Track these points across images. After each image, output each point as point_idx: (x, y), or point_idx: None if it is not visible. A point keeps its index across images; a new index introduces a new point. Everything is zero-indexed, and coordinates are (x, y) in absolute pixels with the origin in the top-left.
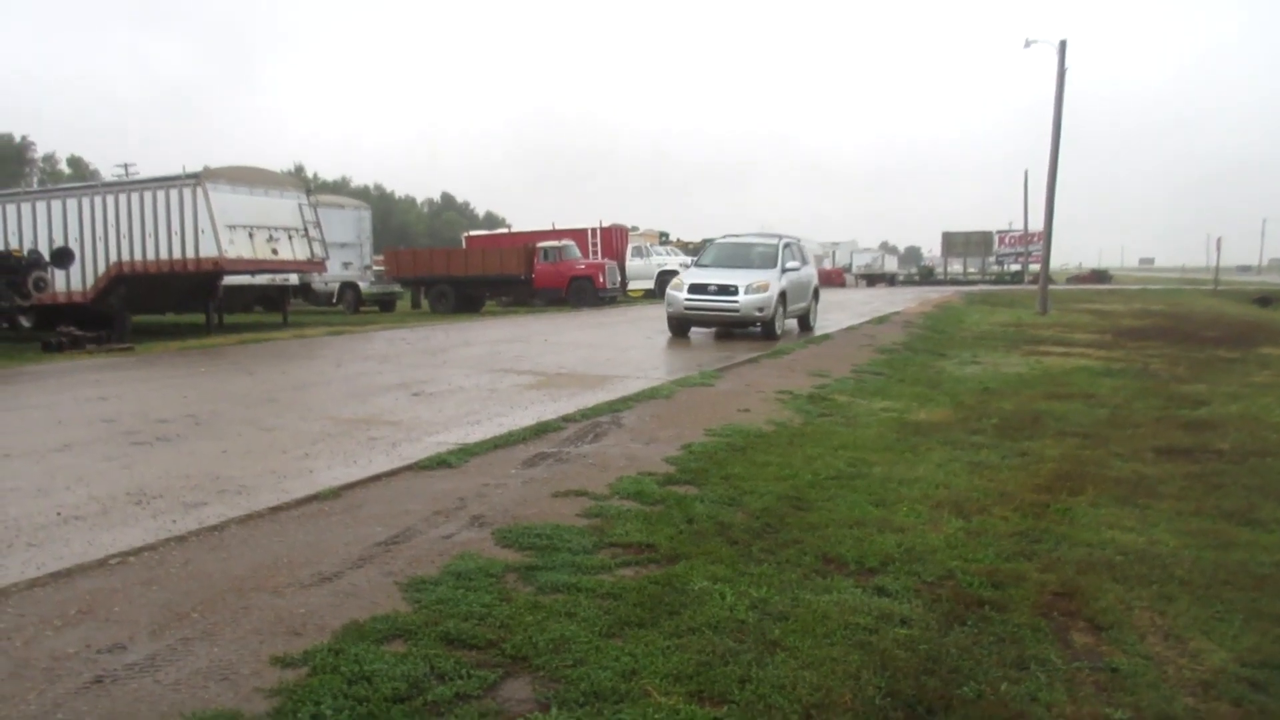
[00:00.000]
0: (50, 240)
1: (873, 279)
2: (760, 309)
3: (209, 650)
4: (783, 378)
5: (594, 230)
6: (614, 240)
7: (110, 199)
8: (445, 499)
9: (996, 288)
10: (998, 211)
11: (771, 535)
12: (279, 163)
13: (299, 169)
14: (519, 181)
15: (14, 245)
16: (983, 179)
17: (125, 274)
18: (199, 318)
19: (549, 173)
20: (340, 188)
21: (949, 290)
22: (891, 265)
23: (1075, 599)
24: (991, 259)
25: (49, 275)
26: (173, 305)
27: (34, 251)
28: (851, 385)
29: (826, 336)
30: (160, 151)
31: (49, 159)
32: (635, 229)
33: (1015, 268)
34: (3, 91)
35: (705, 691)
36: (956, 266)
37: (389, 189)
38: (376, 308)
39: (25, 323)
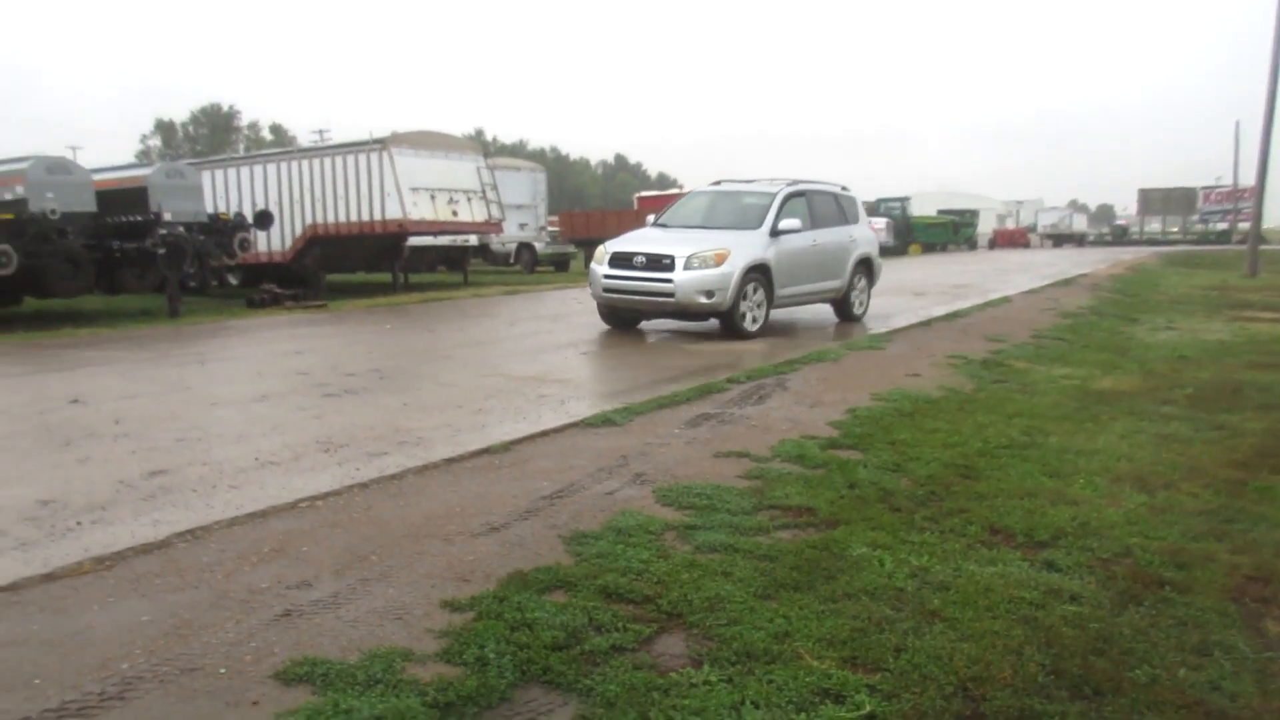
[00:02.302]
0: (253, 203)
1: (1059, 239)
2: (707, 292)
3: (385, 591)
4: (957, 342)
5: None
6: None
7: (305, 164)
8: (609, 456)
9: (1200, 248)
10: (1199, 169)
11: (936, 503)
12: (459, 127)
13: (478, 133)
14: (692, 142)
15: (221, 208)
16: (1183, 133)
17: (319, 235)
18: (386, 277)
19: (721, 132)
20: (517, 151)
21: (1145, 251)
22: (1080, 224)
23: (1271, 584)
24: (1194, 217)
25: (252, 236)
26: (362, 265)
27: (239, 214)
28: (1030, 351)
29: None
30: (350, 117)
31: (253, 126)
32: None
33: (1222, 226)
34: (216, 62)
35: (859, 658)
36: (1155, 226)
37: (564, 151)
38: (551, 268)
39: (233, 280)
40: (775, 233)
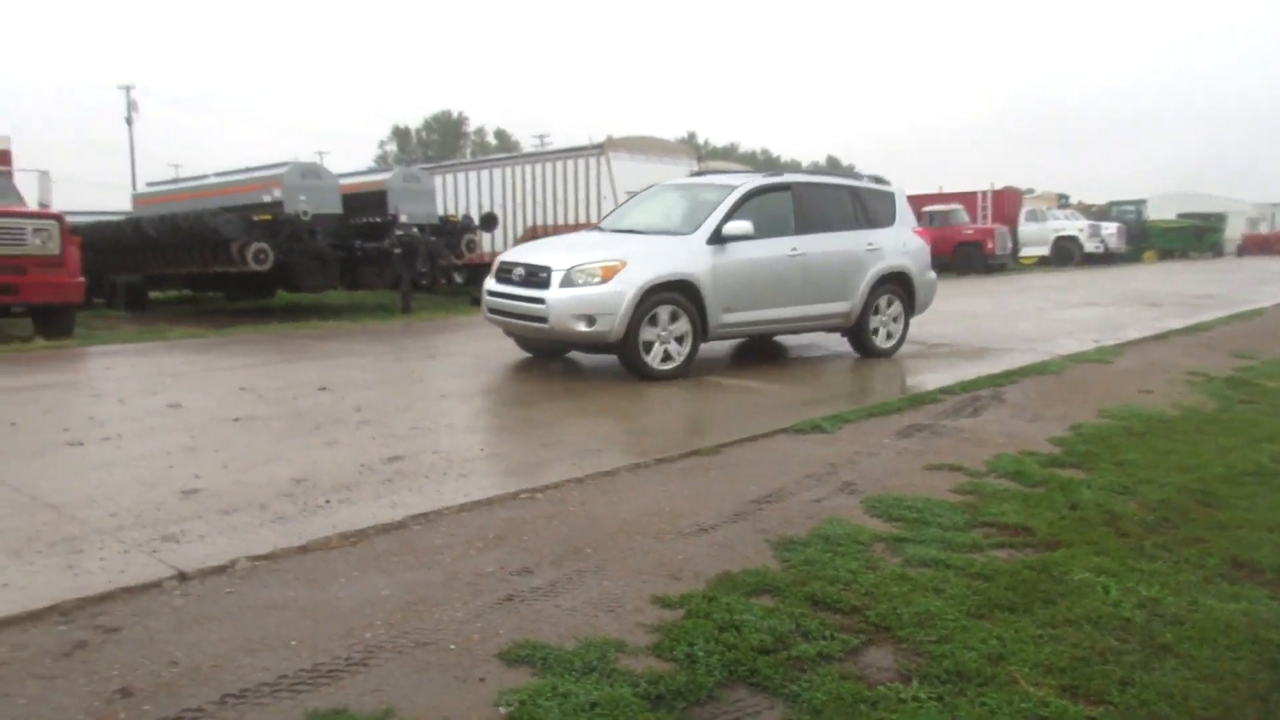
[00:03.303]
0: (479, 206)
1: None
2: (586, 318)
3: (599, 583)
4: (1197, 357)
5: (984, 194)
6: (1006, 204)
7: (528, 168)
8: (817, 463)
9: None
10: None
11: (1169, 531)
12: (672, 130)
13: (690, 136)
14: (907, 144)
15: (450, 211)
16: None
17: (539, 236)
18: None
19: (938, 135)
20: (728, 154)
21: None
22: None
23: None
24: None
25: (478, 238)
26: None
27: (466, 216)
28: None
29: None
30: (569, 122)
31: (479, 132)
32: (1030, 191)
33: None
34: (447, 71)
35: (1079, 688)
36: None
37: (775, 153)
38: None
39: (459, 279)
40: (718, 239)
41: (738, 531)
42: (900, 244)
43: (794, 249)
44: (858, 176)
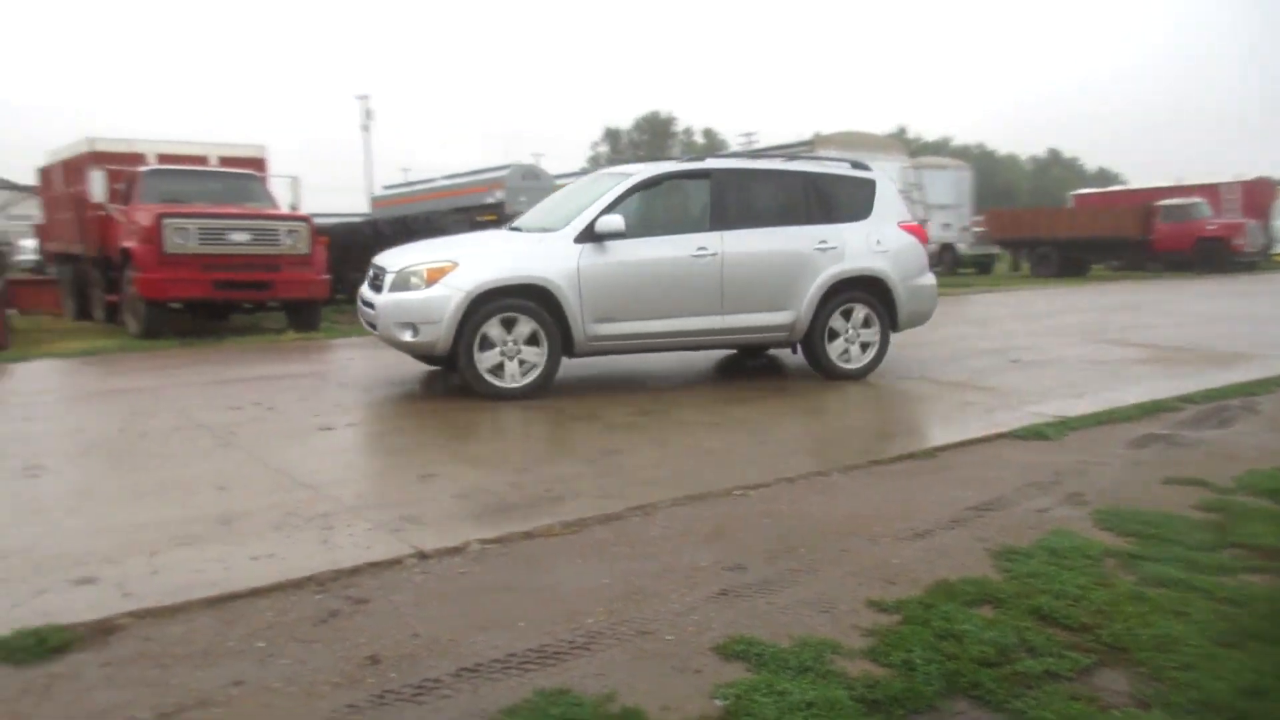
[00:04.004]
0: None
1: None
2: (410, 326)
3: (813, 583)
4: None
5: (1231, 185)
6: (1258, 196)
7: None
8: (1039, 471)
9: None
10: None
11: None
12: (882, 125)
13: (900, 131)
14: (1139, 133)
15: None
16: None
17: None
18: None
19: (1177, 121)
20: (940, 148)
21: None
22: None
23: None
24: None
25: None
26: None
27: None
28: None
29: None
30: (777, 119)
31: (687, 131)
32: None
33: None
34: (656, 72)
35: None
36: None
37: (990, 147)
38: (973, 269)
39: None
40: (591, 237)
41: (955, 538)
42: (871, 242)
43: (702, 248)
44: (837, 163)
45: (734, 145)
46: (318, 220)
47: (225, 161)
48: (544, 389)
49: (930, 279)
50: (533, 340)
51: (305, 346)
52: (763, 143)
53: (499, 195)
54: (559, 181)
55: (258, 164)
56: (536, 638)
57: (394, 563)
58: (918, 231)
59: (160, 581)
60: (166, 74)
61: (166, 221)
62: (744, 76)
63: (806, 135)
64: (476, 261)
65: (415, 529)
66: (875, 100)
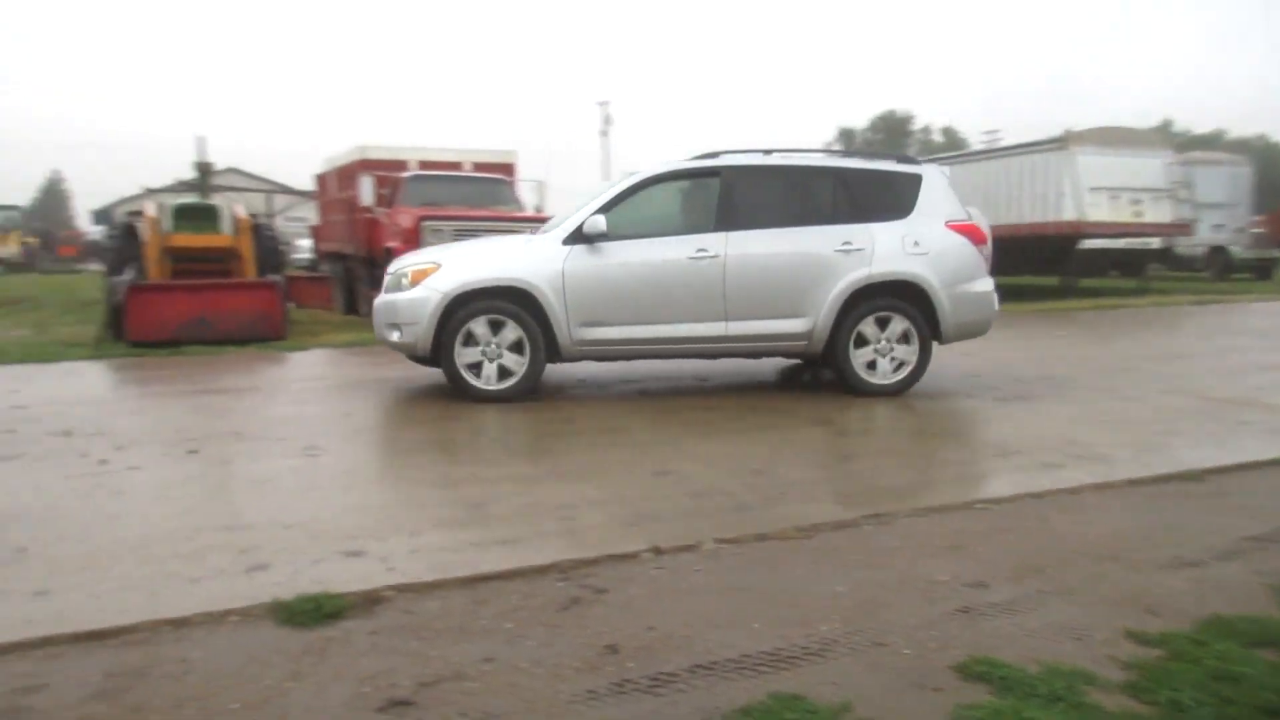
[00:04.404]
0: None
1: None
2: (394, 326)
3: (1063, 607)
4: None
5: None
6: None
7: (981, 166)
8: None
9: None
10: None
11: None
12: (1143, 119)
13: (1165, 124)
14: None
15: None
16: None
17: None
18: (1053, 281)
19: None
20: (1211, 141)
21: None
22: None
23: None
24: None
25: None
26: (1030, 268)
27: None
28: None
29: None
30: (1017, 115)
31: (925, 130)
32: None
33: None
34: (892, 70)
35: None
36: None
37: (1275, 139)
38: (1249, 275)
39: None
40: (581, 238)
41: (1229, 570)
42: (908, 243)
43: (702, 249)
44: (880, 159)
45: (975, 144)
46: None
47: (478, 167)
48: (527, 393)
49: (984, 284)
50: (517, 345)
51: None
52: (1007, 140)
53: None
54: None
55: (507, 169)
56: (770, 641)
57: (631, 556)
58: (971, 231)
59: (419, 560)
60: (430, 85)
61: (425, 223)
62: (987, 72)
63: (1056, 131)
64: (458, 263)
65: (651, 524)
66: (1136, 92)
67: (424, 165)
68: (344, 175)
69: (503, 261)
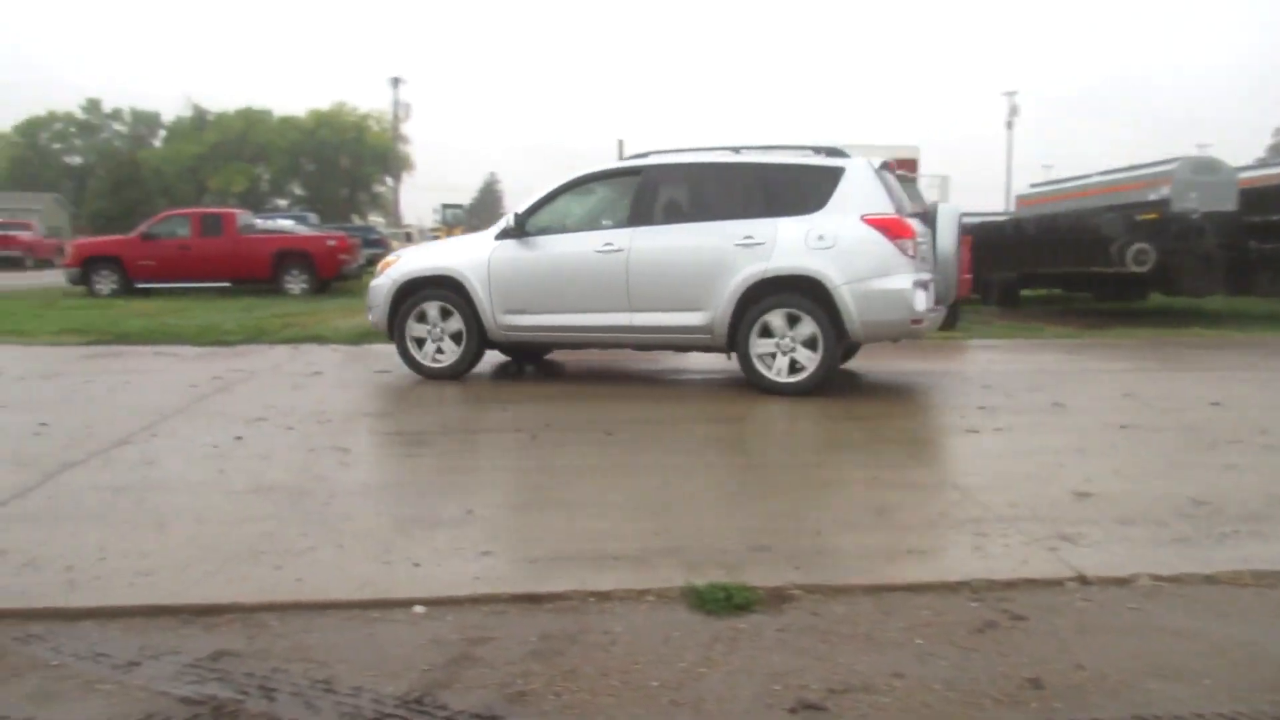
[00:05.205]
0: None
1: None
2: (369, 308)
3: None
4: None
5: None
6: None
7: None
8: None
9: None
10: None
11: None
12: None
13: None
14: None
15: None
16: None
17: None
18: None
19: None
20: None
21: None
22: None
23: None
24: None
25: None
26: None
27: None
28: None
29: None
30: None
31: None
32: None
33: None
34: None
35: None
36: None
37: None
38: None
39: None
40: (512, 233)
41: None
42: (812, 237)
43: (609, 244)
44: (806, 152)
45: None
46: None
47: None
48: (459, 374)
49: (897, 281)
50: (454, 326)
51: (943, 345)
52: None
53: (1163, 191)
54: (1245, 175)
55: (909, 164)
56: (1228, 701)
57: (1052, 583)
58: (890, 225)
59: (825, 561)
60: (824, 80)
61: None
62: None
63: None
64: (411, 255)
65: (1073, 549)
66: None
67: None
68: None
69: (443, 254)
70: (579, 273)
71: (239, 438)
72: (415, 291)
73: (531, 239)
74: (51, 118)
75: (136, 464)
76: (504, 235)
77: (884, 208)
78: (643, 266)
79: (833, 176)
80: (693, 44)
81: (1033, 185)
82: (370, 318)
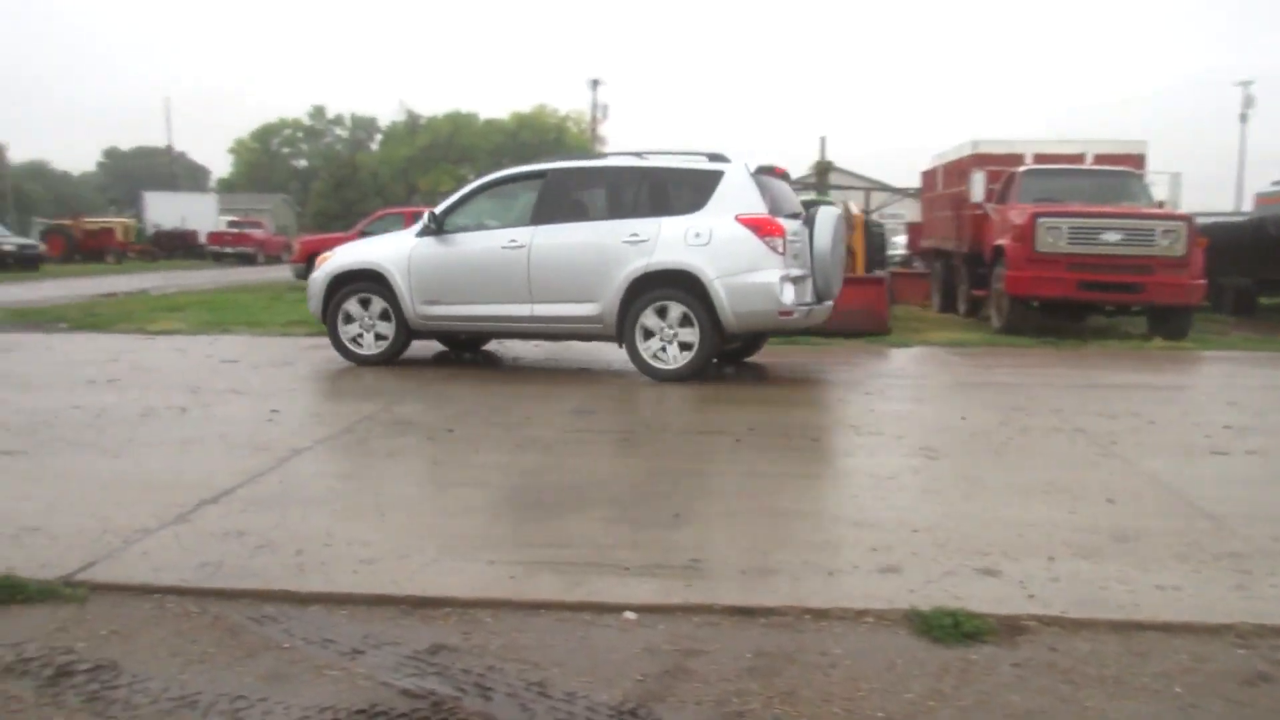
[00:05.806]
0: None
1: None
2: (310, 300)
3: None
4: None
5: None
6: None
7: None
8: None
9: None
10: None
11: None
12: None
13: None
14: None
15: None
16: None
17: None
18: None
19: None
20: None
21: None
22: None
23: None
24: None
25: None
26: None
27: None
28: None
29: None
30: None
31: None
32: None
33: None
34: None
35: None
36: None
37: None
38: None
39: None
40: (426, 231)
41: None
42: (690, 235)
43: (513, 240)
44: (693, 157)
45: None
46: (1197, 220)
47: (1101, 159)
48: (388, 360)
49: (765, 275)
50: (385, 317)
51: (1174, 356)
52: None
53: None
54: None
55: (1136, 161)
56: None
57: None
58: (761, 224)
59: (1061, 590)
60: (1042, 75)
61: (1040, 221)
62: None
63: None
64: (342, 251)
65: None
66: None
67: (1040, 159)
68: (953, 171)
69: (370, 250)
70: (487, 267)
71: (450, 431)
72: (347, 284)
73: (448, 236)
74: (282, 124)
75: (358, 452)
76: (424, 232)
77: (757, 208)
78: (542, 261)
79: (713, 179)
80: (900, 46)
81: (1275, 182)
82: (310, 307)
